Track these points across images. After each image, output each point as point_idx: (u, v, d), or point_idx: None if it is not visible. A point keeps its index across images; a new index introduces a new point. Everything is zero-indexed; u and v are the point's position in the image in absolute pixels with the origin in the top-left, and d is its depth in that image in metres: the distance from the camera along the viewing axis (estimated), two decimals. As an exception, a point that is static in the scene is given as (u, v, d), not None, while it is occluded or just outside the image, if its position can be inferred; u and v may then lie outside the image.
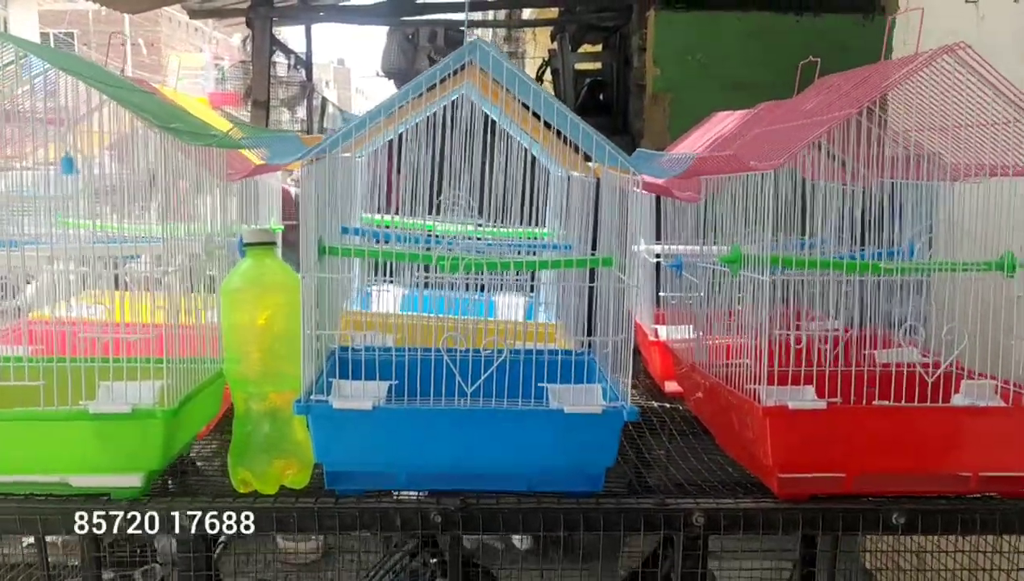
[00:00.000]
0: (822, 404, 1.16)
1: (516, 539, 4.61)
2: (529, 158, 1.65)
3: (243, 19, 5.21)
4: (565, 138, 1.34)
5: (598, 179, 1.43)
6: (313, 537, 4.41)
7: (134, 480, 1.15)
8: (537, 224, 1.74)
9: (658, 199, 1.82)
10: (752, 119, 1.64)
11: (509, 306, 1.83)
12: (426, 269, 1.42)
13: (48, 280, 1.38)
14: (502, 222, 1.59)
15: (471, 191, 1.46)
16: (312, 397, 1.16)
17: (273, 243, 1.22)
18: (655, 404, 1.76)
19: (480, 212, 1.50)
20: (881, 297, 1.44)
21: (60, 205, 1.30)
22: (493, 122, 1.52)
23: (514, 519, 1.18)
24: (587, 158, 1.41)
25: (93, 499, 1.15)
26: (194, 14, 5.59)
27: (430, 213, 1.50)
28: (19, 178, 1.26)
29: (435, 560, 3.21)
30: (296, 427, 1.24)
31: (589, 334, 1.41)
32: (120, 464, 1.13)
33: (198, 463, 1.43)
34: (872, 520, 1.18)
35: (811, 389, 1.21)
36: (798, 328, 1.36)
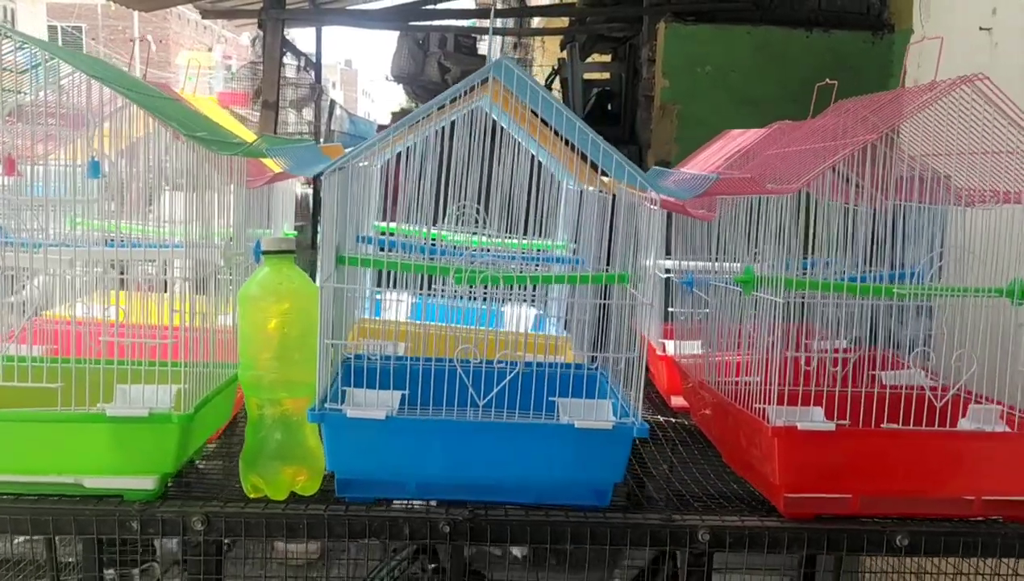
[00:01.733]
0: (831, 426, 1.17)
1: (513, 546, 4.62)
2: (542, 171, 1.66)
3: (254, 20, 5.23)
4: (583, 154, 1.35)
5: (613, 194, 1.45)
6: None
7: (147, 483, 1.16)
8: (546, 236, 1.75)
9: (669, 214, 1.84)
10: (767, 139, 1.65)
11: (518, 317, 1.84)
12: (438, 281, 1.43)
13: (59, 280, 1.39)
14: (512, 233, 1.60)
15: (482, 202, 1.47)
16: (326, 405, 1.18)
17: (292, 252, 1.23)
18: (661, 418, 1.77)
19: (490, 223, 1.51)
20: (884, 318, 1.46)
21: (77, 207, 1.31)
22: (504, 134, 1.53)
23: (521, 531, 1.19)
24: (603, 173, 1.42)
25: (106, 500, 1.16)
26: (206, 14, 5.60)
27: (440, 223, 1.51)
28: (39, 179, 1.27)
29: (432, 565, 3.22)
30: (308, 434, 1.25)
31: (599, 349, 1.42)
32: (135, 467, 1.14)
33: (199, 464, 1.44)
34: (876, 541, 1.19)
35: (820, 410, 1.22)
36: (805, 348, 1.38)
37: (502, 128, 1.50)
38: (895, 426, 1.18)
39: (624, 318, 1.25)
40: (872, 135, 1.21)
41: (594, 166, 1.42)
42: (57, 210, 1.25)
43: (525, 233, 1.59)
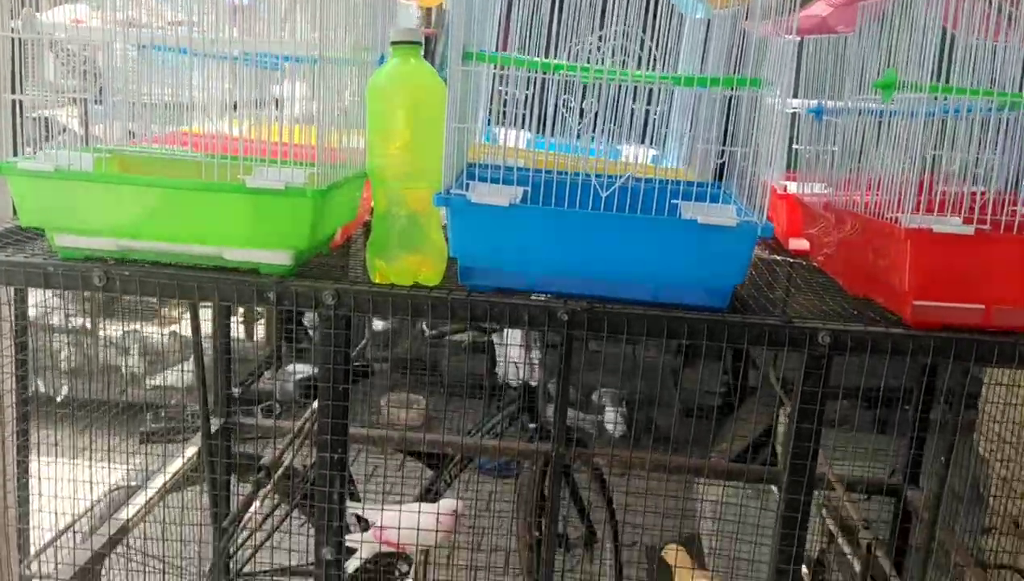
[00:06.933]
0: (969, 230, 1.12)
1: (609, 424, 4.71)
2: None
3: None
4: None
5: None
6: (416, 405, 4.61)
7: (283, 257, 1.21)
8: (667, 67, 1.70)
9: (800, 47, 1.76)
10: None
11: (636, 156, 1.81)
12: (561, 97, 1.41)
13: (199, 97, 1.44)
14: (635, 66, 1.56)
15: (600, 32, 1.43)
16: (451, 191, 1.20)
17: (419, 43, 1.24)
18: (778, 257, 1.74)
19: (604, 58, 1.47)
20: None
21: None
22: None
23: (639, 324, 1.20)
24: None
25: (245, 273, 1.23)
26: None
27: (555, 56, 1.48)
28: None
29: (533, 426, 3.31)
30: (433, 228, 1.28)
31: (723, 171, 1.40)
32: (271, 240, 1.20)
33: (327, 256, 1.48)
34: (1008, 354, 1.15)
35: (957, 218, 1.17)
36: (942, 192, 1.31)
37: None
38: (1039, 232, 1.12)
39: (754, 121, 1.22)
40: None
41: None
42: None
43: (649, 65, 1.55)
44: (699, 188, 1.41)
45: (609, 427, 4.60)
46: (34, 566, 1.61)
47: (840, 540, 2.30)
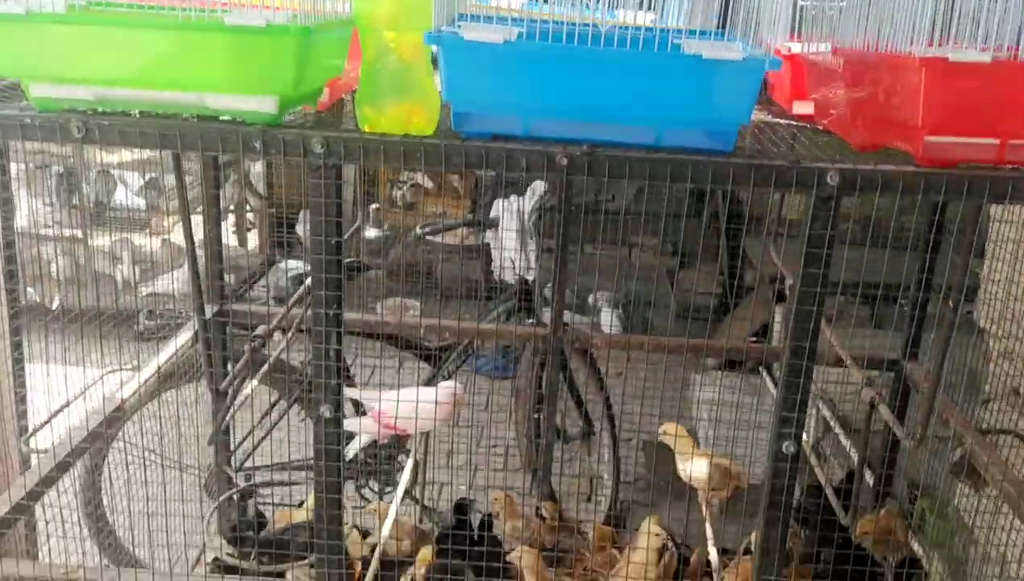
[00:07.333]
0: (986, 58, 1.07)
1: (604, 323, 4.70)
2: None
3: None
4: None
5: None
6: (413, 309, 4.60)
7: (268, 104, 1.16)
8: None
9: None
10: None
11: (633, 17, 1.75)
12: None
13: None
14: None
15: None
16: (443, 28, 1.14)
17: None
18: (782, 121, 1.68)
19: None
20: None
21: None
22: None
23: (641, 168, 1.16)
24: None
25: (231, 123, 1.18)
26: None
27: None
28: None
29: (530, 321, 3.30)
30: (425, 76, 1.22)
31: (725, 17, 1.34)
32: (254, 84, 1.14)
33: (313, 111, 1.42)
34: (1022, 190, 1.12)
35: (973, 49, 1.12)
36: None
37: None
38: (1061, 58, 1.07)
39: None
40: None
41: None
42: None
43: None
44: (702, 34, 1.34)
45: (605, 328, 4.61)
46: (32, 443, 1.60)
47: (836, 429, 2.31)
